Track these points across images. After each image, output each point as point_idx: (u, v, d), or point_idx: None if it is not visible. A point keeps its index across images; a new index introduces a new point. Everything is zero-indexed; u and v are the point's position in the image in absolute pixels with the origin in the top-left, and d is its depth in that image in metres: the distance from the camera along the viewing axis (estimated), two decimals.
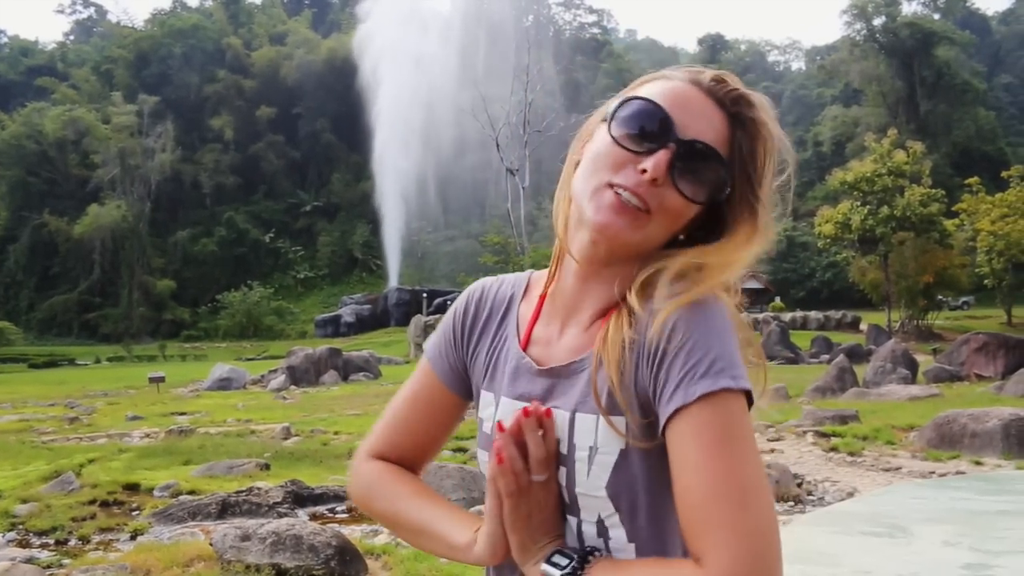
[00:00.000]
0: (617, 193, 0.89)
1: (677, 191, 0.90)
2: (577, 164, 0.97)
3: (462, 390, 1.10)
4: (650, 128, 0.91)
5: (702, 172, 0.90)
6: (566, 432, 0.93)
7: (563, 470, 0.93)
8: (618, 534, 0.91)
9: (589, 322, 0.98)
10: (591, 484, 0.90)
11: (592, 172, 0.93)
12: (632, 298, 0.91)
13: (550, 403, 0.95)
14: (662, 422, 0.85)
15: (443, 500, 1.06)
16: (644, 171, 0.89)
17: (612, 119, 0.93)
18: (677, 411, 0.83)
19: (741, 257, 0.92)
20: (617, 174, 0.90)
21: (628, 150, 0.91)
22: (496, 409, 1.01)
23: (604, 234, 0.90)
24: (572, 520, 0.94)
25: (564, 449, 0.93)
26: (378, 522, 1.25)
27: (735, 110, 0.93)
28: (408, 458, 1.11)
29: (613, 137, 0.92)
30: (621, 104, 0.93)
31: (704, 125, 0.91)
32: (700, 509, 0.80)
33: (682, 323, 0.86)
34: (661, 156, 0.89)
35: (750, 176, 0.92)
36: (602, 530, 0.92)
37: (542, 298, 1.04)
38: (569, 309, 1.00)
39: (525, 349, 1.02)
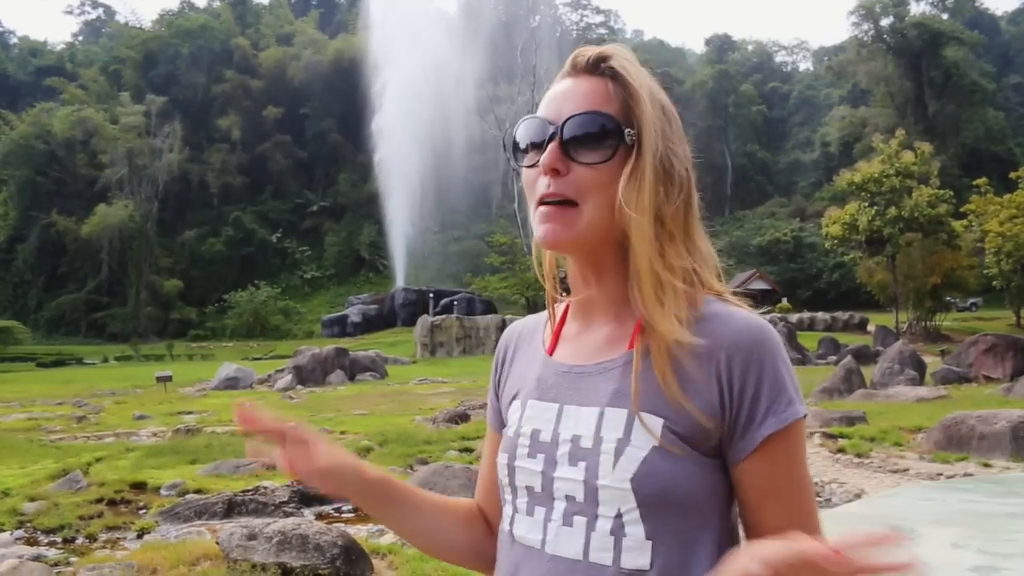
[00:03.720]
0: (544, 204, 0.95)
1: (582, 164, 0.94)
2: None
3: None
4: (534, 138, 0.97)
5: (593, 135, 0.94)
6: (593, 427, 0.94)
7: (583, 464, 0.93)
8: (636, 531, 0.91)
9: (609, 320, 1.01)
10: (616, 476, 0.91)
11: (530, 203, 0.99)
12: (640, 305, 0.95)
13: (576, 401, 0.98)
14: (745, 447, 0.91)
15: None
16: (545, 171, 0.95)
17: (512, 155, 1.01)
18: (765, 440, 0.91)
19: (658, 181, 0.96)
20: (536, 191, 0.96)
21: (531, 166, 0.97)
22: (522, 413, 1.04)
23: (548, 244, 0.97)
24: (580, 520, 0.93)
25: (589, 444, 0.94)
26: None
27: (601, 69, 0.97)
28: (493, 509, 1.15)
29: (521, 166, 0.99)
30: (514, 136, 1.01)
31: (577, 101, 0.96)
32: (796, 519, 0.91)
33: (748, 347, 0.92)
34: (548, 149, 0.94)
35: (639, 116, 0.95)
36: (618, 527, 0.91)
37: (564, 312, 1.09)
38: (588, 311, 1.04)
39: (551, 355, 1.06)
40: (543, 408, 1.01)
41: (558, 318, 1.09)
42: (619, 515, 0.91)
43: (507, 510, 1.04)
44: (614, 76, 0.96)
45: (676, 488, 0.91)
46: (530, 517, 0.99)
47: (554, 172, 0.94)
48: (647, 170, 0.93)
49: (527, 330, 1.15)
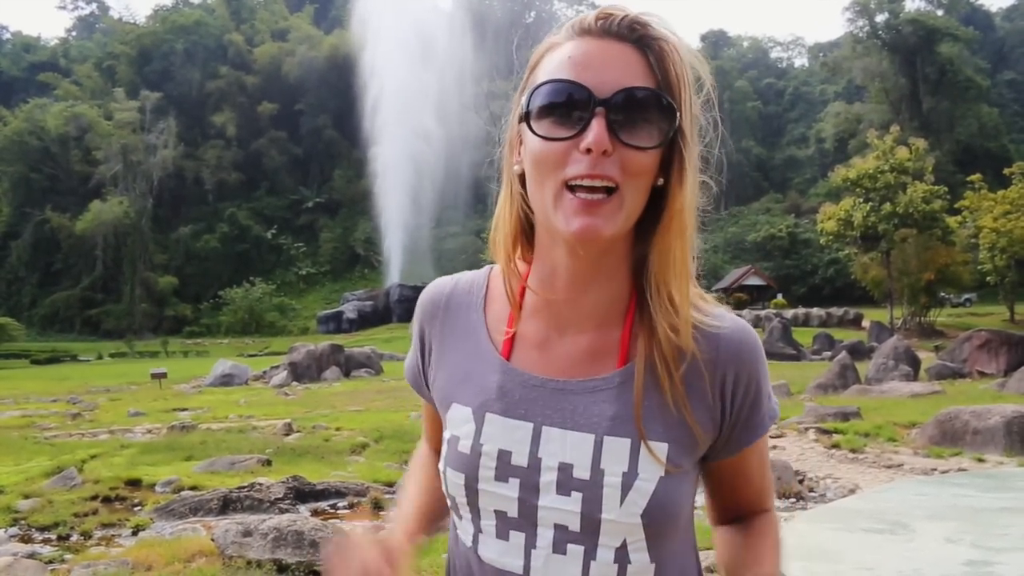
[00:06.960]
0: (577, 190, 0.81)
1: (631, 148, 0.80)
2: (521, 175, 0.89)
3: None
4: (569, 106, 0.81)
5: (644, 115, 0.81)
6: (588, 457, 0.86)
7: (579, 495, 0.86)
8: (640, 557, 0.88)
9: (589, 329, 0.91)
10: (625, 511, 0.85)
11: (541, 180, 0.84)
12: (661, 312, 0.87)
13: (558, 423, 0.88)
14: (734, 449, 0.94)
15: (412, 498, 1.11)
16: (589, 150, 0.79)
17: (529, 118, 0.84)
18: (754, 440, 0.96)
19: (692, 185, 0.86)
20: (566, 169, 0.81)
21: (562, 139, 0.81)
22: (479, 427, 0.91)
23: (584, 239, 0.81)
24: (576, 549, 0.87)
25: (585, 475, 0.86)
26: None
27: (635, 36, 0.83)
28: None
29: (540, 135, 0.83)
30: (530, 99, 0.84)
31: (618, 70, 0.81)
32: (763, 494, 1.02)
33: (747, 360, 0.91)
34: (595, 126, 0.79)
35: (684, 101, 0.83)
36: (621, 556, 0.87)
37: (517, 301, 0.94)
38: (565, 312, 0.91)
39: (508, 358, 0.93)
40: (512, 426, 0.90)
41: (504, 313, 0.96)
42: (623, 545, 0.87)
43: (464, 526, 0.95)
44: (650, 47, 0.82)
45: (680, 510, 0.89)
46: (503, 541, 0.91)
47: (603, 154, 0.79)
48: (694, 159, 0.85)
49: (458, 297, 1.01)
